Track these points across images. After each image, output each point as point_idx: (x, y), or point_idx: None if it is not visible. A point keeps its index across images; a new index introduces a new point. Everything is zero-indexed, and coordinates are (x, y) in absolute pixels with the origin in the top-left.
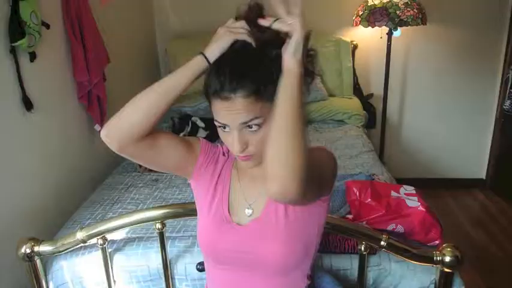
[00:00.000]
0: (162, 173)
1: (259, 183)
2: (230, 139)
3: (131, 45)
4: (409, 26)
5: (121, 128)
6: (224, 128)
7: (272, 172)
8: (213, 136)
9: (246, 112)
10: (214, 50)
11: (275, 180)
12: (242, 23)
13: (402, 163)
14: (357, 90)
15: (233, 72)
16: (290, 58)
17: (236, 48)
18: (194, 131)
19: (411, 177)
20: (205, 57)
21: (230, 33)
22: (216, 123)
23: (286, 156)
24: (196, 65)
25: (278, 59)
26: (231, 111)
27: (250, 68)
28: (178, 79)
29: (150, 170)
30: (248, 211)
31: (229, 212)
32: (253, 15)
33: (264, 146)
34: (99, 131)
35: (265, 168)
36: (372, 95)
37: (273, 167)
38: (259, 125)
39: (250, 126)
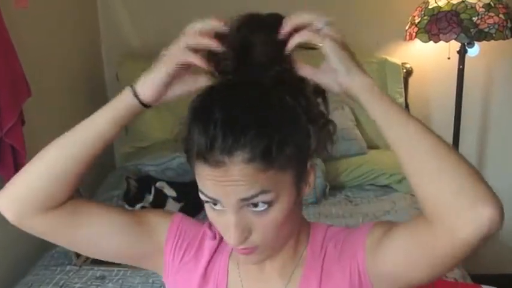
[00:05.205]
0: (111, 267)
1: (273, 282)
2: (223, 221)
3: (64, 70)
4: (492, 41)
5: (17, 195)
6: (214, 204)
7: (457, 215)
8: (189, 210)
9: (247, 184)
10: (146, 83)
11: (473, 217)
12: (195, 27)
13: (481, 251)
14: None
15: (229, 122)
16: (349, 79)
17: (235, 81)
18: (160, 202)
19: (495, 273)
20: (135, 93)
21: (170, 56)
22: (201, 196)
23: (458, 186)
24: (121, 102)
25: (303, 100)
26: (224, 182)
27: (257, 116)
28: (96, 124)
29: (93, 262)
30: None
31: None
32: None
33: (276, 235)
34: None
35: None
36: None
37: (452, 209)
38: (268, 203)
39: (255, 205)
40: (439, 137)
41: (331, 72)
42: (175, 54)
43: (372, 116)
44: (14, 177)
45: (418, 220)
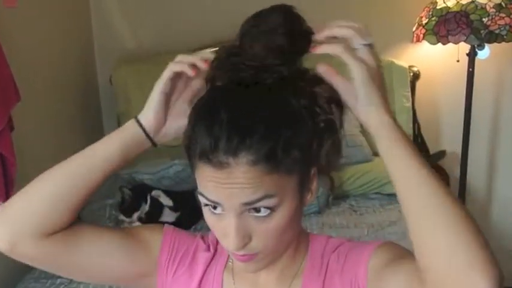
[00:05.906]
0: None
1: None
2: (222, 226)
3: (55, 73)
4: (504, 42)
5: (13, 219)
6: (214, 208)
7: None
8: (186, 220)
9: (251, 187)
10: (145, 108)
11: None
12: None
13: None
14: (419, 145)
15: (235, 123)
16: (367, 111)
17: (244, 83)
18: (156, 212)
19: (509, 286)
20: (138, 122)
21: (160, 79)
22: (201, 198)
23: (462, 246)
24: (125, 131)
25: (312, 104)
26: (227, 185)
27: (264, 118)
28: (104, 151)
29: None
30: None
31: None
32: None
33: (277, 242)
34: None
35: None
36: (443, 153)
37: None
38: (271, 208)
39: (257, 210)
40: (452, 198)
41: (352, 94)
42: (163, 75)
43: (381, 154)
44: (10, 200)
45: (414, 276)
